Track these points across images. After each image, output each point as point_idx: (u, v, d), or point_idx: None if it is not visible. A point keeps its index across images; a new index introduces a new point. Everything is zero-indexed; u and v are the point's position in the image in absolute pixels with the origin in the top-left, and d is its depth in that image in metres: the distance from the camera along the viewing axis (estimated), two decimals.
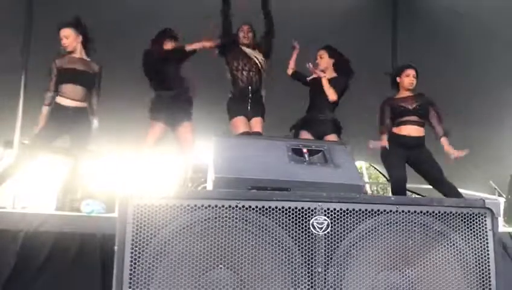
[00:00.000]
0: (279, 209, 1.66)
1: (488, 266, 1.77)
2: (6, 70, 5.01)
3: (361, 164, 8.71)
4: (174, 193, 1.62)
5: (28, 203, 3.83)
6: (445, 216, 1.77)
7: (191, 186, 3.58)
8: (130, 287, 1.52)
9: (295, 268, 1.63)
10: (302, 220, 1.67)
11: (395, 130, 3.88)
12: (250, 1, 4.18)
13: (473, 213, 1.80)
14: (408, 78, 3.91)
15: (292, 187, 1.92)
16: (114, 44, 4.69)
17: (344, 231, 1.68)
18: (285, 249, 1.64)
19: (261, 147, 2.21)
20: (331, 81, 4.02)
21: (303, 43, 4.31)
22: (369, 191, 8.43)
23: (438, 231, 1.76)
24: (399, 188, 3.80)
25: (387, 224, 1.73)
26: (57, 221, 2.65)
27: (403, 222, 1.74)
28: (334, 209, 1.69)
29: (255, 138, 3.36)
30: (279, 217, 1.66)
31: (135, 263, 1.53)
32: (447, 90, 5.01)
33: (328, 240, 1.67)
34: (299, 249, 1.65)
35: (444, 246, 1.76)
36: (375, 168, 8.25)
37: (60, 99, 3.67)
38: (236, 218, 1.63)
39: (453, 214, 1.78)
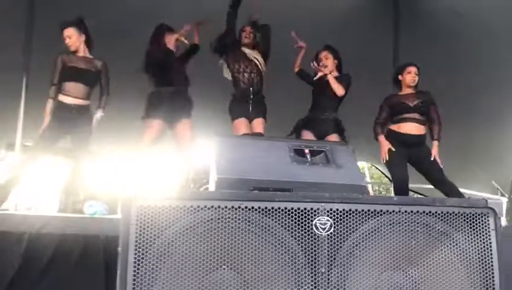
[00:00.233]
0: (282, 210, 1.66)
1: (492, 265, 1.77)
2: (7, 71, 5.02)
3: (363, 164, 8.71)
4: (177, 194, 1.63)
5: (30, 205, 3.83)
6: (448, 216, 1.77)
7: (193, 187, 3.57)
8: (133, 288, 1.52)
9: (298, 269, 1.63)
10: (305, 220, 1.67)
11: (395, 127, 3.86)
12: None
13: (476, 213, 1.80)
14: (410, 75, 3.90)
15: (294, 188, 1.92)
16: (115, 44, 4.70)
17: (347, 231, 1.69)
18: (288, 250, 1.64)
19: (263, 147, 2.22)
20: (336, 78, 4.03)
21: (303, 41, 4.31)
22: (371, 192, 8.43)
23: (441, 231, 1.76)
24: (401, 187, 3.79)
25: (390, 224, 1.73)
26: (60, 223, 2.65)
27: (405, 222, 1.74)
28: (337, 209, 1.69)
29: (256, 138, 3.37)
30: (282, 218, 1.66)
31: (139, 264, 1.54)
32: (450, 91, 5.01)
33: (331, 241, 1.67)
34: (302, 250, 1.65)
35: (447, 246, 1.76)
36: (377, 168, 8.24)
37: (63, 98, 3.69)
38: (239, 219, 1.63)
39: (456, 214, 1.78)
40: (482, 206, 1.80)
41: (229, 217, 1.62)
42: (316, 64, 4.04)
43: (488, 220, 1.80)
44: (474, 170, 5.87)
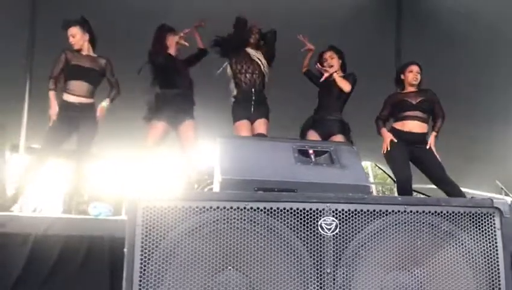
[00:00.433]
0: (287, 211, 1.67)
1: (498, 265, 1.77)
2: (11, 74, 5.04)
3: (366, 164, 8.70)
4: (182, 194, 1.63)
5: (35, 206, 3.84)
6: (453, 216, 1.77)
7: (196, 187, 3.58)
8: (140, 289, 1.53)
9: (304, 269, 1.64)
10: (311, 221, 1.67)
11: (398, 125, 3.87)
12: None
13: (481, 213, 1.79)
14: (412, 74, 3.92)
15: (299, 188, 1.92)
16: (117, 45, 4.70)
17: (352, 231, 1.69)
18: (294, 250, 1.64)
19: (267, 148, 2.23)
20: (343, 77, 4.05)
21: (304, 45, 4.32)
22: (374, 192, 8.42)
23: (446, 231, 1.76)
24: (404, 187, 3.79)
25: (396, 224, 1.72)
26: (65, 224, 2.66)
27: (411, 222, 1.74)
28: (343, 210, 1.69)
29: (260, 139, 3.37)
30: (288, 219, 1.66)
31: (145, 265, 1.54)
32: (452, 91, 5.00)
33: (337, 241, 1.67)
34: (307, 250, 1.65)
35: (453, 246, 1.76)
36: (381, 169, 8.23)
37: (67, 96, 3.70)
38: (244, 219, 1.63)
39: (461, 214, 1.78)
40: (487, 205, 1.80)
41: (234, 218, 1.62)
42: (320, 66, 4.05)
43: (493, 220, 1.80)
44: (477, 169, 5.86)
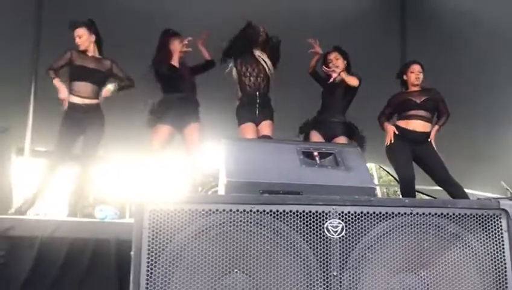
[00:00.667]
0: (293, 213, 1.67)
1: (505, 267, 1.76)
2: (16, 77, 5.06)
3: (371, 166, 8.68)
4: (189, 197, 1.64)
5: (41, 209, 3.86)
6: (459, 218, 1.76)
7: (201, 190, 3.59)
8: None
9: (310, 272, 1.63)
10: (316, 223, 1.67)
11: (401, 123, 3.88)
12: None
13: (488, 214, 1.78)
14: (413, 74, 3.94)
15: (304, 191, 1.92)
16: (122, 48, 4.72)
17: (359, 234, 1.68)
18: (300, 253, 1.64)
19: (272, 150, 2.22)
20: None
21: (309, 44, 4.32)
22: (379, 194, 8.40)
23: (453, 233, 1.75)
24: (408, 186, 3.79)
25: (402, 226, 1.72)
26: (72, 227, 2.67)
27: (417, 224, 1.73)
28: (349, 212, 1.69)
29: (265, 141, 3.37)
30: (293, 221, 1.66)
31: (152, 268, 1.54)
32: (456, 91, 4.99)
33: (343, 244, 1.66)
34: (313, 253, 1.65)
35: (459, 248, 1.75)
36: (385, 170, 8.21)
37: (73, 98, 3.71)
38: (250, 222, 1.63)
39: (468, 216, 1.77)
40: (494, 207, 1.79)
41: (240, 221, 1.63)
42: (326, 68, 4.05)
43: (500, 222, 1.79)
44: (480, 170, 5.83)
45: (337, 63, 4.09)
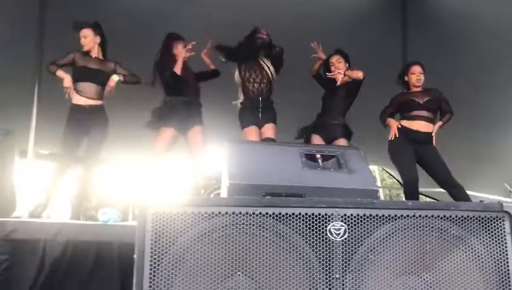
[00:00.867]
0: (296, 216, 1.67)
1: (508, 270, 1.76)
2: (19, 79, 5.08)
3: (373, 168, 8.66)
4: (191, 200, 1.64)
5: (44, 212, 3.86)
6: (462, 220, 1.76)
7: (203, 193, 3.59)
8: None
9: (313, 274, 1.63)
10: (319, 226, 1.67)
11: (406, 123, 3.88)
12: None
13: (491, 217, 1.78)
14: (414, 76, 3.95)
15: (307, 193, 1.92)
16: (125, 50, 4.74)
17: (361, 236, 1.68)
18: (303, 256, 1.64)
19: (274, 152, 2.22)
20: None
21: (311, 46, 4.33)
22: (382, 196, 8.37)
23: (456, 236, 1.75)
24: (411, 188, 3.79)
25: (405, 229, 1.72)
26: (75, 230, 2.68)
27: (420, 227, 1.73)
28: (351, 215, 1.69)
29: (267, 143, 3.38)
30: (296, 224, 1.66)
31: (155, 271, 1.55)
32: (457, 92, 4.98)
33: (346, 246, 1.66)
34: (316, 256, 1.65)
35: (462, 250, 1.75)
36: (388, 172, 8.19)
37: (76, 99, 3.73)
38: (253, 225, 1.63)
39: (471, 218, 1.77)
40: (497, 209, 1.79)
41: (243, 223, 1.63)
42: (330, 74, 4.07)
43: (503, 224, 1.78)
44: (481, 171, 5.82)
45: (338, 66, 4.10)
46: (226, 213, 1.63)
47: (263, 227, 1.64)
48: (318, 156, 2.16)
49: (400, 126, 3.86)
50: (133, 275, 1.55)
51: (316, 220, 1.67)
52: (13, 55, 5.04)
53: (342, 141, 3.98)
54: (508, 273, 1.77)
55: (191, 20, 5.08)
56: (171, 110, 3.98)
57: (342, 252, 1.66)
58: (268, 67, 4.06)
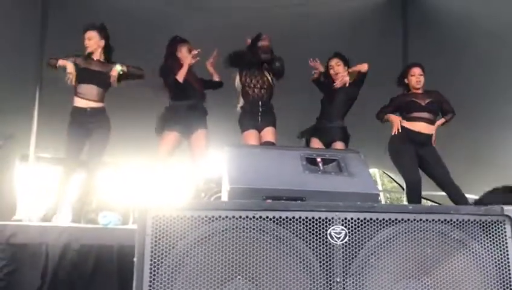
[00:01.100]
0: (296, 220, 1.66)
1: (509, 274, 1.75)
2: (20, 83, 5.09)
3: (374, 171, 8.65)
4: (191, 204, 1.64)
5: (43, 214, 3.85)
6: (463, 224, 1.76)
7: (204, 196, 3.58)
8: None
9: (313, 278, 1.63)
10: (320, 230, 1.66)
11: (407, 124, 3.90)
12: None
13: (492, 221, 1.78)
14: (414, 78, 3.98)
15: (307, 197, 1.92)
16: (125, 50, 4.75)
17: (362, 240, 1.68)
18: (303, 259, 1.64)
19: (275, 156, 2.22)
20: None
21: (311, 48, 4.35)
22: (382, 200, 8.37)
23: (457, 239, 1.75)
24: (414, 190, 3.79)
25: (405, 233, 1.71)
26: (76, 233, 2.68)
27: (421, 231, 1.73)
28: (352, 218, 1.68)
29: (268, 147, 3.38)
30: (296, 227, 1.66)
31: (154, 275, 1.54)
32: (455, 92, 4.98)
33: (346, 250, 1.66)
34: (317, 259, 1.64)
35: (463, 254, 1.74)
36: (389, 176, 8.19)
37: (77, 101, 3.73)
38: (253, 229, 1.63)
39: (472, 222, 1.76)
40: (498, 213, 1.78)
41: (243, 227, 1.63)
42: (335, 81, 4.09)
43: (504, 228, 1.78)
44: (482, 173, 5.81)
45: (338, 69, 4.13)
46: (226, 217, 1.63)
47: (263, 231, 1.64)
48: (319, 159, 2.16)
49: (401, 121, 3.87)
50: (132, 278, 1.55)
51: (316, 224, 1.67)
52: (14, 59, 5.06)
53: (339, 144, 4.00)
54: (510, 277, 1.76)
55: (191, 20, 5.09)
56: (175, 114, 3.99)
57: (343, 256, 1.65)
58: (269, 73, 4.09)
